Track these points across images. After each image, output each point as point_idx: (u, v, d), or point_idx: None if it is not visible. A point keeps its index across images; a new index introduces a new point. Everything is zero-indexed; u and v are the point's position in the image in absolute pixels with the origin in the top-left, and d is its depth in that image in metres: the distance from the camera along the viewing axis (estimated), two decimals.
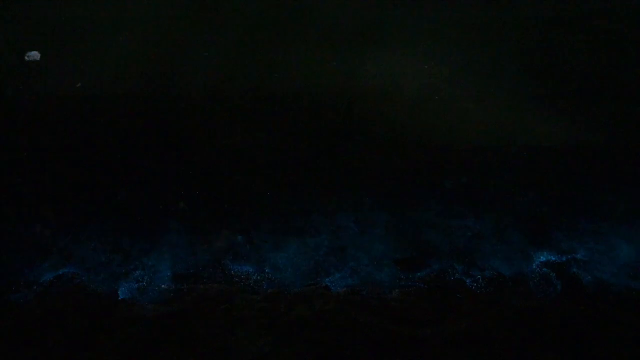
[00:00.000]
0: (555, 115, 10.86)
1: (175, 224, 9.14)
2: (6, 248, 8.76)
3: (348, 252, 8.80)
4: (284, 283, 8.43)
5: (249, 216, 9.27)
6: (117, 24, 12.37)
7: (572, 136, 10.44)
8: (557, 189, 9.69)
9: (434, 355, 7.21)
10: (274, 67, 11.86)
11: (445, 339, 7.43)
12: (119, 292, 8.31)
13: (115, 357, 7.29)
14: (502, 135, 10.50)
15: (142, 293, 8.27)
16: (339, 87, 11.45)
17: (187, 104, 11.09)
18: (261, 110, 11.07)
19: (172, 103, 11.08)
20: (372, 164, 10.11)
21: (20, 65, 11.41)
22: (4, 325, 7.64)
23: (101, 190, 9.58)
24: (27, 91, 10.96)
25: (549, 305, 7.94)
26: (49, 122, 10.60)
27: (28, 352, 7.33)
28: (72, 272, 8.52)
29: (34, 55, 11.29)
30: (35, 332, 7.57)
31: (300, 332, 7.59)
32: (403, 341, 7.40)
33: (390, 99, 11.23)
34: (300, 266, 8.68)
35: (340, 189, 9.67)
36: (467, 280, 8.43)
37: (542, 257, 8.73)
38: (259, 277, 8.50)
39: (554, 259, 8.71)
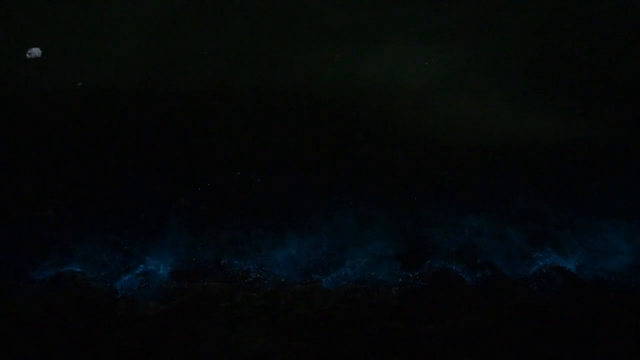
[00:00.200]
0: (556, 112, 10.84)
1: (175, 222, 9.15)
2: (7, 246, 8.78)
3: (348, 250, 8.81)
4: (284, 281, 8.44)
5: (249, 213, 9.27)
6: (118, 22, 12.32)
7: (572, 134, 10.42)
8: (558, 187, 9.68)
9: (434, 352, 7.20)
10: (275, 64, 11.83)
11: (445, 336, 7.42)
12: (119, 290, 8.34)
13: (116, 354, 7.28)
14: (502, 133, 10.48)
15: (142, 291, 8.28)
16: (341, 83, 11.43)
17: (188, 102, 11.07)
18: (263, 107, 11.05)
19: (174, 101, 11.06)
20: (372, 161, 10.10)
21: (22, 63, 11.36)
22: (5, 322, 7.64)
23: (102, 187, 9.58)
24: (29, 88, 10.93)
25: (549, 303, 7.94)
26: (49, 119, 10.59)
27: (29, 349, 7.33)
28: (72, 270, 8.54)
29: (36, 52, 11.24)
30: (36, 329, 7.56)
31: (300, 329, 7.59)
32: (403, 338, 7.39)
33: (391, 96, 11.20)
34: (300, 264, 8.69)
35: (341, 187, 9.67)
36: (467, 278, 8.44)
37: (541, 255, 8.74)
38: (258, 275, 8.51)
39: (553, 256, 8.72)
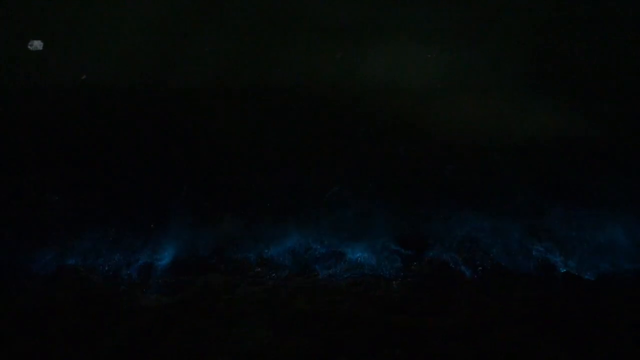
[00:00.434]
0: (557, 110, 10.88)
1: (176, 216, 9.16)
2: (7, 240, 8.76)
3: (348, 244, 8.82)
4: (285, 275, 8.44)
5: (250, 208, 9.28)
6: (121, 16, 12.34)
7: (573, 132, 10.46)
8: (558, 183, 9.72)
9: (436, 346, 7.19)
10: (276, 61, 11.85)
11: (447, 331, 7.41)
12: (120, 284, 8.32)
13: (116, 348, 7.26)
14: (503, 129, 10.52)
15: (143, 284, 8.27)
16: (343, 80, 11.45)
17: (190, 97, 11.08)
18: (263, 104, 11.08)
19: (176, 96, 11.07)
20: (372, 160, 10.13)
21: (23, 55, 11.35)
22: (5, 318, 7.61)
23: (103, 182, 9.58)
24: (30, 81, 10.92)
25: (550, 298, 7.95)
26: (51, 113, 10.59)
27: (29, 344, 7.30)
28: (73, 263, 8.53)
29: (37, 44, 11.19)
30: (37, 324, 7.54)
31: (301, 324, 7.57)
32: (404, 332, 7.38)
33: (393, 93, 11.23)
34: (300, 258, 8.70)
35: (341, 183, 9.68)
36: (468, 272, 8.45)
37: (542, 250, 8.76)
38: (260, 269, 8.52)
39: (554, 252, 8.74)
